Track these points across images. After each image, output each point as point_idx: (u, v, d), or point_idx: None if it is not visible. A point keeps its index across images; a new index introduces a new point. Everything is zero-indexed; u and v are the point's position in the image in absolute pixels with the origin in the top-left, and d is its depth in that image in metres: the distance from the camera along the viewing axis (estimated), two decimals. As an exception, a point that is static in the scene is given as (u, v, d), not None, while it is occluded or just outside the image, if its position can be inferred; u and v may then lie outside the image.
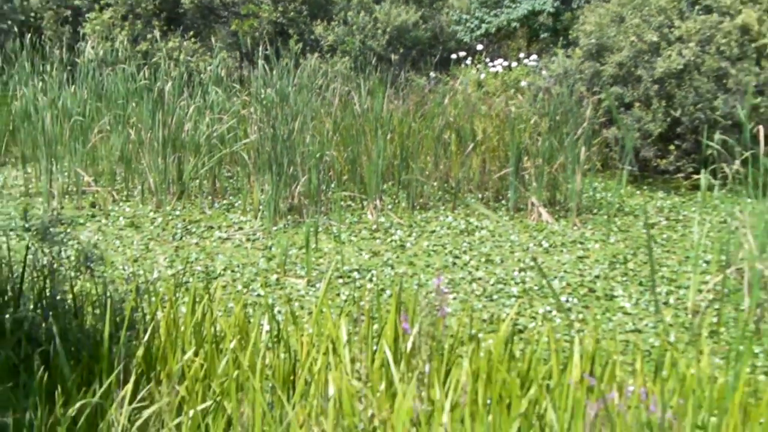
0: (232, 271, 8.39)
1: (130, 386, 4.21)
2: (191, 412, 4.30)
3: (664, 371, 5.21)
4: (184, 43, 15.45)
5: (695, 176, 11.42)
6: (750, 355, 6.62)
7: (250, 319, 5.96)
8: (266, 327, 5.56)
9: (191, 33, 15.97)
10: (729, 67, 11.89)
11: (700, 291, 7.97)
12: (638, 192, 11.58)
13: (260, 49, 13.14)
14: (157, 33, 15.35)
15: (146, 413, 4.21)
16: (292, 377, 5.11)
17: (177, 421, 4.27)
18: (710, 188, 10.52)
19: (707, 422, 4.27)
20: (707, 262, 8.71)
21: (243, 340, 5.41)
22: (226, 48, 15.78)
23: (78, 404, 4.02)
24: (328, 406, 4.48)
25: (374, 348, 5.09)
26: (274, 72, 12.15)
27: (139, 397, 4.31)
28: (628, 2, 12.88)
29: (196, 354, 5.00)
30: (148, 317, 5.22)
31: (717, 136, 10.64)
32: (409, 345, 4.95)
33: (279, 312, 7.24)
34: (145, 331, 4.99)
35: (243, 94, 12.71)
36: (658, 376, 5.17)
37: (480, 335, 5.56)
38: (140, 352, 4.82)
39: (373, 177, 10.29)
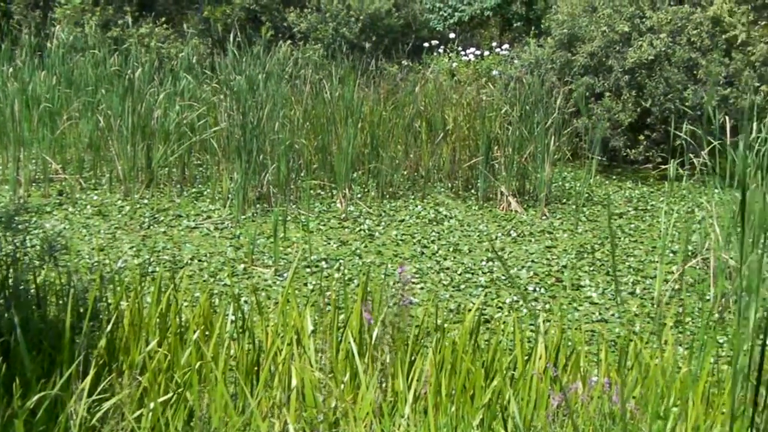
0: (200, 260, 8.36)
1: (89, 378, 4.18)
2: (152, 404, 4.28)
3: (628, 362, 5.23)
4: (156, 29, 15.36)
5: (664, 166, 11.47)
6: (714, 345, 6.65)
7: (215, 309, 5.94)
8: (231, 317, 5.55)
9: (163, 19, 15.87)
10: (699, 58, 11.93)
11: (666, 281, 8.00)
12: (607, 182, 11.62)
13: (232, 35, 13.09)
14: (128, 19, 15.25)
15: (106, 405, 4.18)
16: (256, 368, 5.10)
17: (137, 413, 4.25)
18: (678, 178, 10.57)
19: (669, 412, 4.28)
20: (674, 252, 8.75)
21: (207, 330, 5.39)
22: (198, 34, 15.70)
23: (36, 396, 3.99)
24: (290, 397, 4.47)
25: (340, 338, 5.08)
26: (244, 59, 12.11)
27: (99, 388, 4.28)
28: (600, -8, 12.91)
29: (159, 345, 4.98)
30: (112, 307, 5.19)
31: (685, 126, 10.67)
32: (374, 336, 4.95)
33: (246, 302, 7.22)
34: (109, 321, 4.95)
35: (214, 81, 12.65)
36: (621, 366, 5.19)
37: (446, 325, 5.56)
38: (102, 342, 4.79)
39: (342, 166, 10.27)
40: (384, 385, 4.66)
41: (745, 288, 2.79)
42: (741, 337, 2.68)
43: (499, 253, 8.75)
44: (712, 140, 9.27)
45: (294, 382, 4.58)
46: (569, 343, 5.69)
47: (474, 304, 7.34)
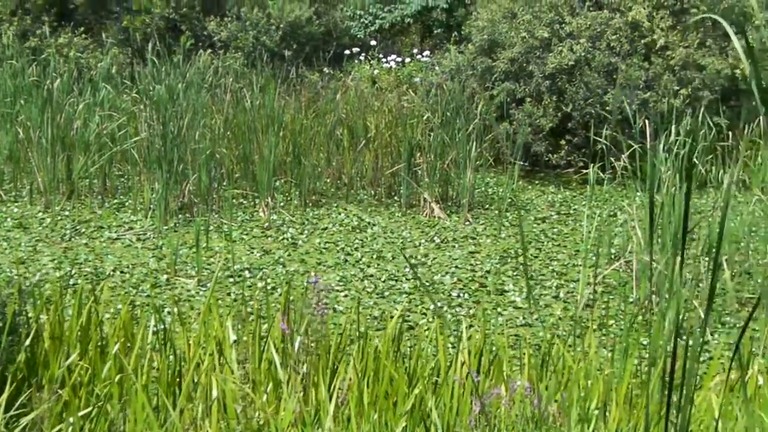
0: (122, 271, 8.28)
1: (7, 392, 4.12)
2: (71, 419, 4.22)
3: (550, 365, 5.25)
4: (75, 39, 15.22)
5: (586, 170, 11.55)
6: (637, 346, 6.70)
7: (138, 321, 5.88)
8: (154, 328, 5.49)
9: (82, 29, 15.73)
10: (619, 62, 12.04)
11: (589, 284, 8.06)
12: (530, 187, 11.69)
13: (151, 45, 12.99)
14: (46, 29, 15.09)
15: (25, 420, 4.12)
16: (178, 380, 5.05)
17: (57, 428, 4.19)
18: (600, 182, 10.65)
19: (592, 415, 4.31)
20: (597, 256, 8.80)
21: (129, 342, 5.33)
22: (118, 44, 15.58)
23: (-48, 413, 3.93)
24: (211, 409, 4.44)
25: (263, 348, 5.05)
26: (164, 68, 12.03)
27: (18, 403, 4.22)
28: (520, -2, 12.99)
29: (81, 358, 4.92)
30: (31, 321, 5.12)
31: (604, 131, 10.76)
32: (296, 345, 4.92)
33: (169, 313, 7.16)
34: (28, 335, 4.88)
35: (133, 91, 12.55)
36: (543, 370, 5.21)
37: (370, 332, 5.55)
38: (21, 357, 4.72)
39: (264, 174, 10.22)
40: (302, 394, 4.64)
41: (665, 290, 2.82)
42: (663, 338, 2.70)
43: (423, 260, 8.77)
44: (632, 144, 9.36)
45: (215, 393, 4.55)
46: (493, 348, 5.71)
47: (398, 310, 7.34)
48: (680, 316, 2.74)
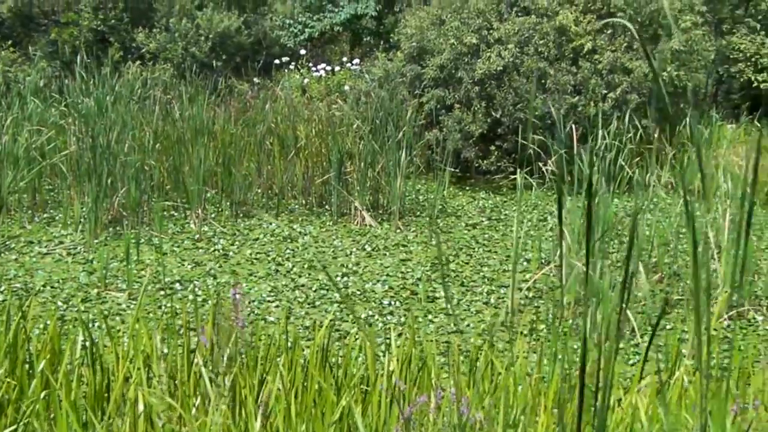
0: (52, 287, 8.21)
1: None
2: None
3: (479, 371, 5.28)
4: (2, 52, 15.09)
5: (515, 176, 11.62)
6: (567, 351, 6.76)
7: (67, 335, 5.85)
8: (80, 344, 5.46)
9: (9, 42, 15.60)
10: (547, 67, 12.14)
11: (520, 289, 8.11)
12: (461, 193, 11.75)
13: (79, 57, 12.90)
14: (-27, 43, 14.99)
15: (-52, 440, 4.10)
16: (106, 394, 5.03)
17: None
18: (529, 187, 10.73)
19: (519, 420, 4.34)
20: (528, 261, 8.87)
21: (56, 358, 5.30)
22: (46, 57, 15.46)
23: None
24: (137, 424, 4.43)
25: (192, 361, 5.04)
26: (92, 81, 11.97)
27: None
28: (448, 5, 13.05)
29: (8, 375, 4.88)
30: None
31: (530, 135, 10.84)
32: (223, 358, 4.92)
33: (99, 327, 7.12)
34: (-47, 353, 4.85)
35: (62, 105, 12.46)
36: (471, 376, 5.25)
37: (301, 342, 5.56)
38: (-55, 376, 4.68)
39: (194, 185, 10.19)
40: (230, 407, 4.64)
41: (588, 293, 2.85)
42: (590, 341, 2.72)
43: (354, 268, 8.79)
44: (558, 149, 9.44)
45: (141, 408, 4.53)
46: (422, 355, 5.73)
47: (330, 320, 7.35)
48: (599, 319, 2.78)
